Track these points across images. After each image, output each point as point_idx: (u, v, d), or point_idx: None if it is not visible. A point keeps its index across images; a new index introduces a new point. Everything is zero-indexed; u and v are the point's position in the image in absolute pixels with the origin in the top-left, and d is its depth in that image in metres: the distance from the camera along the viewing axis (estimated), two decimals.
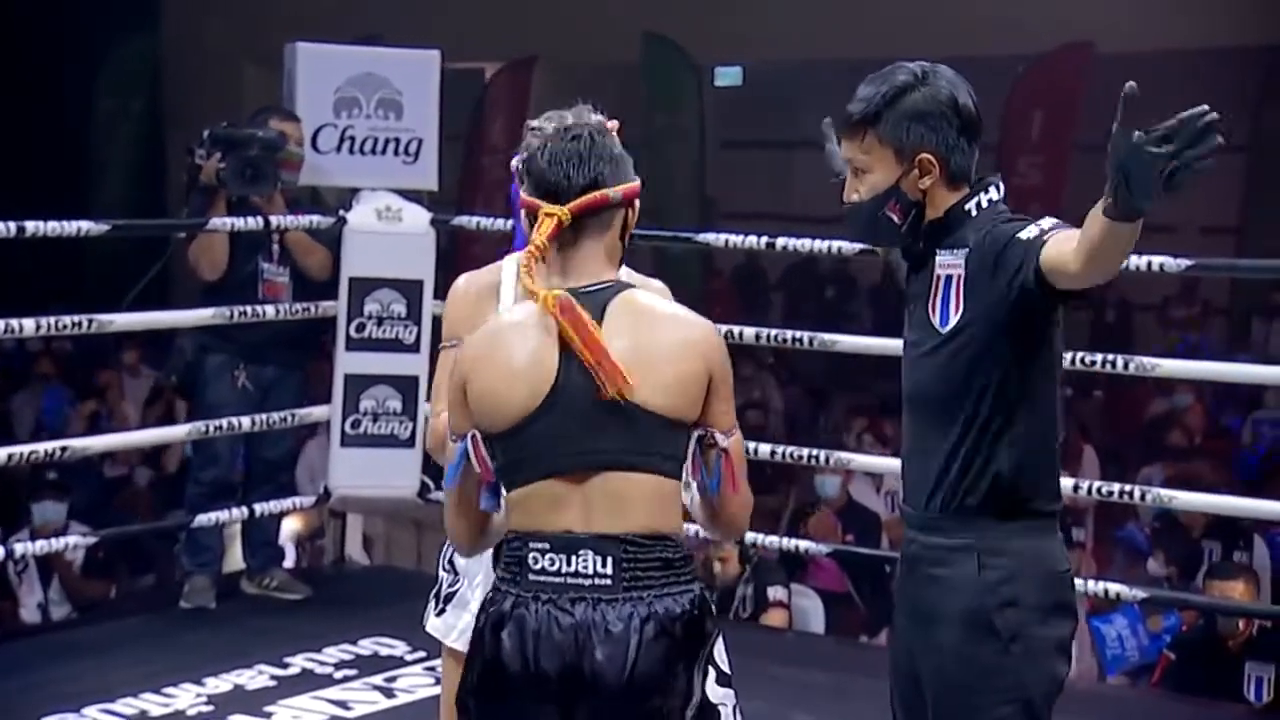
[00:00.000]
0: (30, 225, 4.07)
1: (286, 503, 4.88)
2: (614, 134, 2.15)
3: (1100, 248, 2.07)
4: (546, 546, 2.06)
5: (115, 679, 4.01)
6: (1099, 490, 4.22)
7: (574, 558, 2.04)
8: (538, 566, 2.06)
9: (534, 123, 2.16)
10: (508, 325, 2.12)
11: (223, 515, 4.64)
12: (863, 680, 4.08)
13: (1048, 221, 2.23)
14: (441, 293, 5.17)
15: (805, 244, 4.39)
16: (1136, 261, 3.75)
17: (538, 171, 2.11)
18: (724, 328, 3.56)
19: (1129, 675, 5.04)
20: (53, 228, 4.14)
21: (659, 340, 2.07)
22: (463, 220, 5.22)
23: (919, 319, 2.33)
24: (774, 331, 4.49)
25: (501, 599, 2.08)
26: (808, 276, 12.35)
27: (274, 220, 4.62)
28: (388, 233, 4.84)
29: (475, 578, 2.65)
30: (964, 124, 2.29)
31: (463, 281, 2.61)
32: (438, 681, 4.10)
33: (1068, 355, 4.08)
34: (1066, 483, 3.67)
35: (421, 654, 4.25)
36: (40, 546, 4.55)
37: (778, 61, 11.98)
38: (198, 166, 4.57)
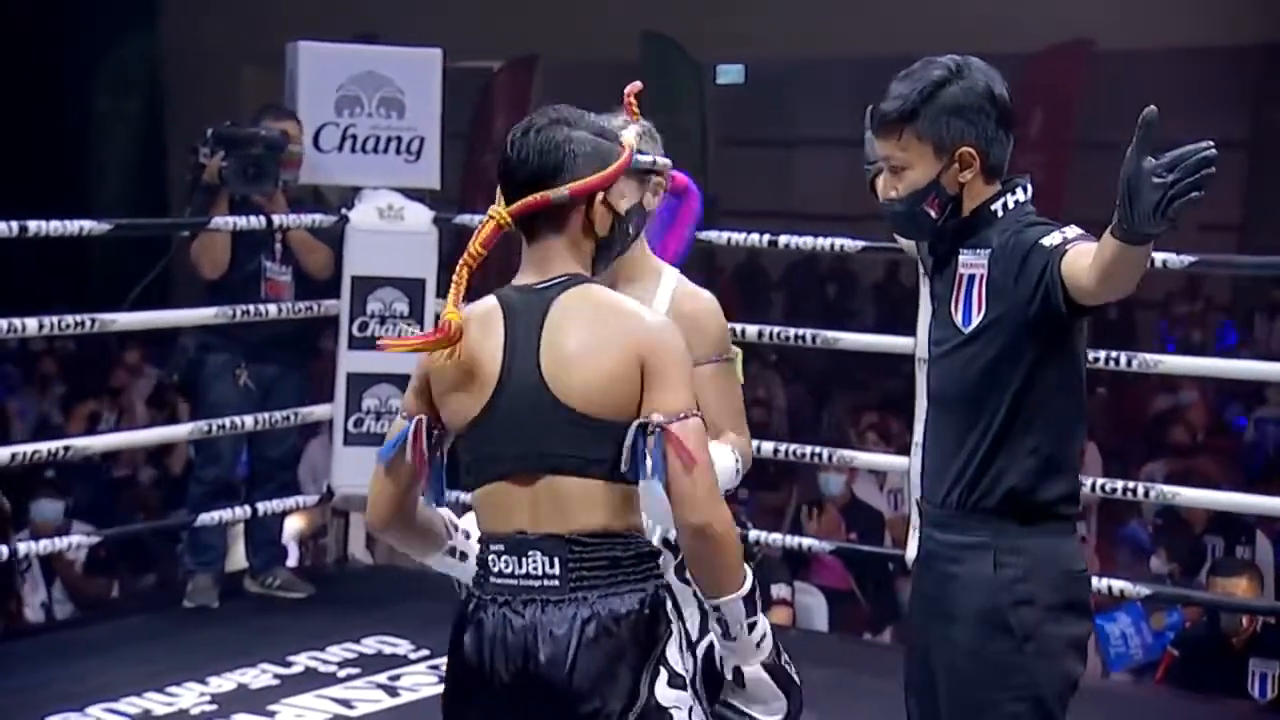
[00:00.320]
0: (33, 225, 4.07)
1: (289, 502, 4.88)
2: (587, 126, 2.08)
3: (1112, 267, 2.09)
4: (502, 549, 2.05)
5: (119, 678, 4.01)
6: (1102, 487, 4.21)
7: (524, 559, 2.03)
8: (495, 569, 2.06)
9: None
10: (471, 322, 2.08)
11: (225, 514, 4.63)
12: (866, 678, 4.08)
13: (1072, 231, 2.23)
14: (443, 291, 5.20)
15: (807, 242, 4.39)
16: None
17: (498, 170, 2.10)
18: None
19: (1133, 673, 5.03)
20: (55, 227, 4.14)
21: (599, 340, 2.02)
22: (465, 219, 5.21)
23: (943, 318, 2.33)
24: (776, 329, 4.48)
25: (468, 602, 2.09)
26: (809, 274, 12.36)
27: (276, 219, 4.62)
28: (390, 231, 4.85)
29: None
30: (1001, 115, 2.29)
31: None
32: (441, 680, 4.10)
33: None
34: None
35: (425, 652, 4.25)
36: (44, 546, 4.56)
37: (779, 60, 11.98)
38: (201, 165, 4.57)
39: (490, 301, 2.10)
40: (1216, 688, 4.51)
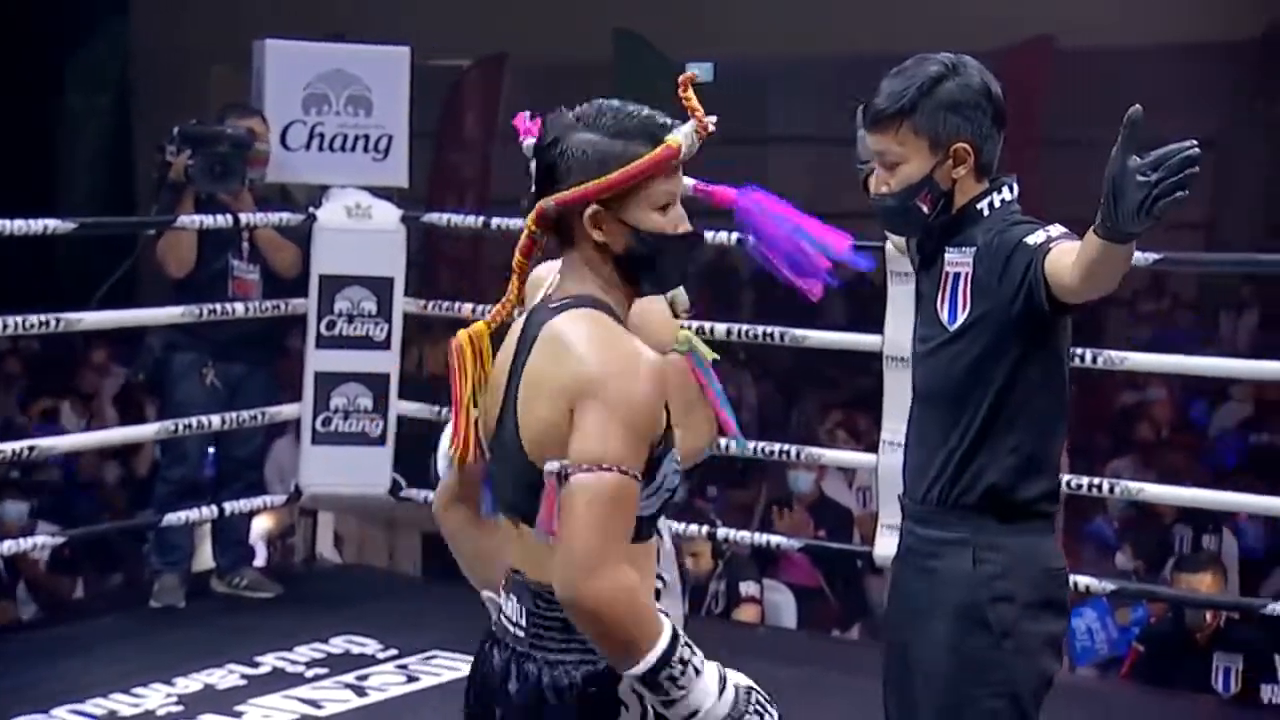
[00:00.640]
0: None
1: (257, 501, 4.87)
2: (606, 126, 1.86)
3: (1095, 266, 2.10)
4: (505, 583, 1.95)
5: (85, 679, 3.99)
6: (1068, 484, 4.24)
7: (509, 600, 1.92)
8: (500, 604, 1.96)
9: None
10: (510, 334, 1.95)
11: (192, 514, 4.61)
12: (835, 675, 4.10)
13: (1056, 229, 2.24)
14: (412, 289, 5.22)
15: None
16: None
17: None
18: (695, 324, 3.56)
19: (1098, 668, 5.07)
20: (19, 226, 4.11)
21: (546, 380, 1.83)
22: (433, 217, 5.21)
23: (928, 315, 2.35)
24: (745, 327, 4.49)
25: (486, 636, 1.99)
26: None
27: (243, 218, 4.61)
28: (358, 230, 4.83)
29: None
30: (996, 112, 2.31)
31: None
32: (410, 679, 4.11)
33: None
34: None
35: (393, 652, 4.25)
36: (9, 546, 4.53)
37: (749, 57, 12.00)
38: (167, 164, 4.56)
39: (523, 316, 1.94)
40: (1181, 682, 4.55)
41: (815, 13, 10.53)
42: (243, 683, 4.04)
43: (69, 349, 8.65)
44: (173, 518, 4.54)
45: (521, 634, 1.89)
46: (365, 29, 7.16)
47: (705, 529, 4.74)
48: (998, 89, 2.31)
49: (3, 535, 5.34)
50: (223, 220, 4.56)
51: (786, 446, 4.65)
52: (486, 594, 2.02)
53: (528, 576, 1.88)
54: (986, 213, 2.31)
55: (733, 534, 4.74)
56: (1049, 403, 2.31)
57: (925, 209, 2.31)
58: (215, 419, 4.60)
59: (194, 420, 4.56)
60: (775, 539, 4.87)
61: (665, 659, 1.76)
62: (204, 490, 4.79)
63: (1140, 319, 10.01)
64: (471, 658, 2.00)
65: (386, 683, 4.07)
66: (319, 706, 3.91)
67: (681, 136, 1.90)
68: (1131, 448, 7.00)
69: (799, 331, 4.50)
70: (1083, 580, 4.08)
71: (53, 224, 4.26)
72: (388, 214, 4.88)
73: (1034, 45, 10.08)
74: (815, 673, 4.16)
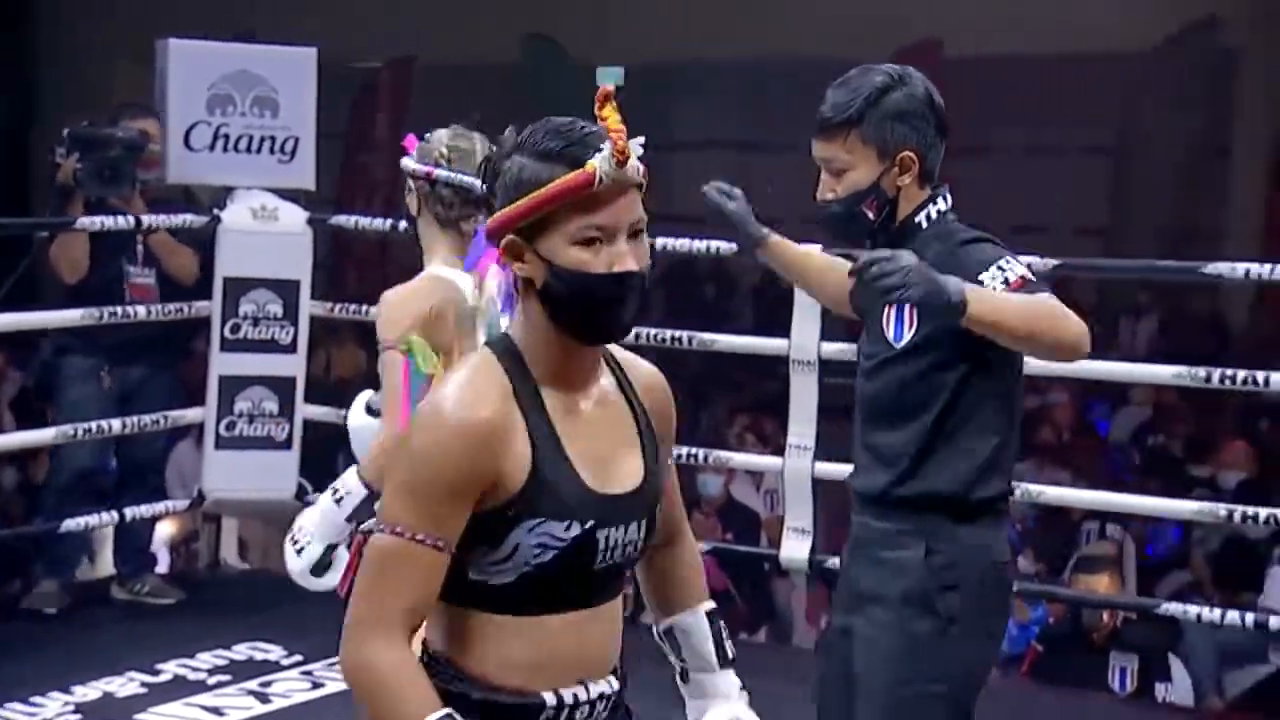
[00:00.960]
0: None
1: (159, 506, 4.81)
2: (515, 151, 1.67)
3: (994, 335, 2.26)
4: None
5: None
6: None
7: None
8: None
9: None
10: None
11: (92, 519, 4.55)
12: (744, 679, 4.12)
13: (1013, 271, 2.29)
14: (319, 292, 5.18)
15: (684, 244, 4.43)
16: None
17: None
18: None
19: (999, 665, 5.15)
20: None
21: None
22: (341, 220, 5.17)
23: (874, 333, 2.41)
24: (654, 331, 4.51)
25: None
26: (688, 276, 12.42)
27: (144, 220, 4.54)
28: (263, 232, 4.79)
29: None
30: (938, 121, 2.38)
31: None
32: (314, 686, 4.07)
33: None
34: None
35: (298, 658, 4.21)
36: None
37: (658, 62, 12.07)
38: (57, 166, 4.48)
39: None
40: (1079, 681, 4.64)
41: (721, 18, 10.61)
42: (143, 690, 3.99)
43: None
44: (72, 523, 4.47)
45: None
46: (275, 29, 7.08)
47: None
48: (939, 99, 2.39)
49: None
50: (123, 222, 4.49)
51: (695, 450, 4.68)
52: None
53: None
54: (925, 225, 2.37)
55: None
56: (1000, 407, 2.38)
57: (870, 215, 2.37)
58: (116, 423, 4.54)
59: (94, 424, 4.49)
60: None
61: None
62: (102, 495, 4.71)
63: None
64: None
65: (291, 689, 4.04)
66: (221, 714, 3.88)
67: (599, 161, 1.64)
68: (1033, 451, 7.13)
69: (707, 335, 4.53)
70: None
71: None
72: (294, 216, 4.84)
73: (921, 50, 10.30)
74: None
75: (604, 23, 10.81)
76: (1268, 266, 3.97)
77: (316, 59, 4.94)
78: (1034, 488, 4.35)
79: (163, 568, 5.34)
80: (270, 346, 4.78)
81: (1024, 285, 2.28)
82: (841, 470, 4.41)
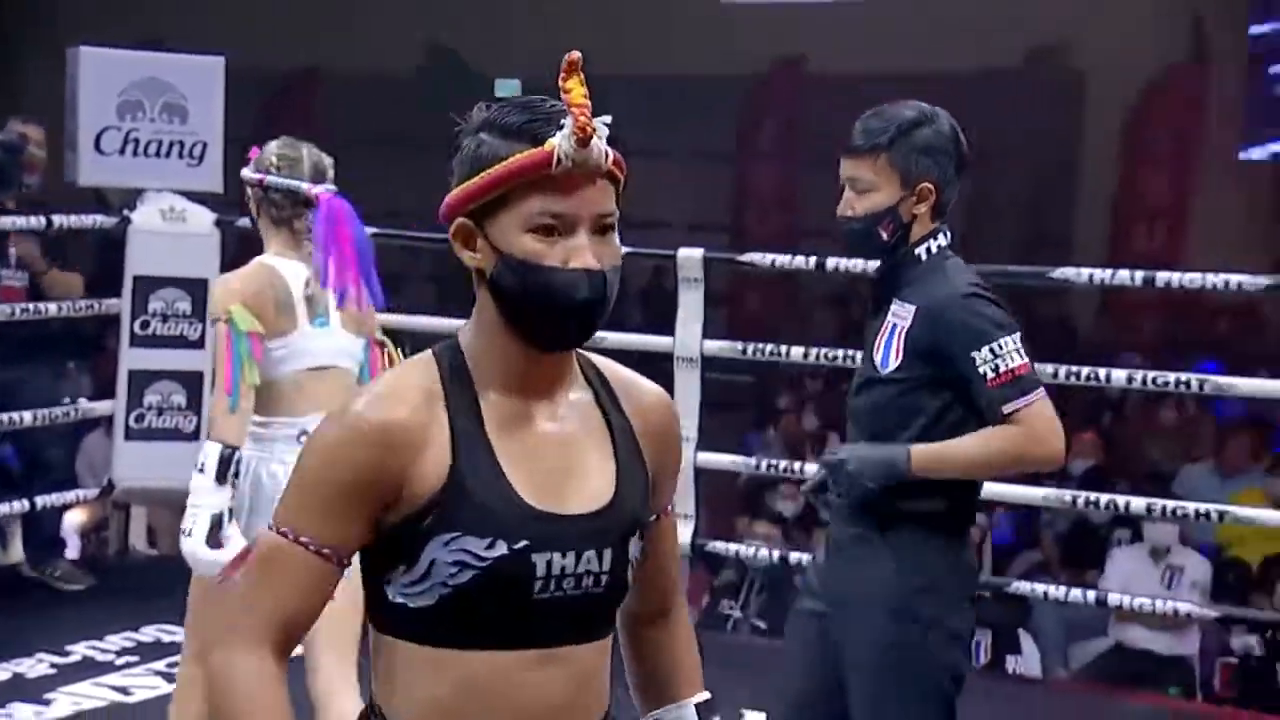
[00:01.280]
0: None
1: (69, 495, 4.92)
2: (481, 128, 1.53)
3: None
4: None
5: None
6: None
7: None
8: None
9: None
10: None
11: (3, 507, 4.64)
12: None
13: (1003, 357, 2.42)
14: None
15: None
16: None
17: None
18: None
19: None
20: None
21: None
22: (246, 222, 5.31)
23: (867, 355, 2.58)
24: None
25: None
26: None
27: (56, 220, 4.67)
28: (172, 233, 4.93)
29: None
30: (960, 161, 2.56)
31: None
32: None
33: (801, 350, 4.47)
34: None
35: None
36: None
37: (554, 75, 12.29)
38: None
39: None
40: None
41: (619, 34, 10.85)
42: (52, 671, 4.07)
43: None
44: None
45: None
46: (183, 36, 7.20)
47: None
48: (964, 139, 2.57)
49: None
50: (35, 222, 4.63)
51: None
52: None
53: None
54: (924, 258, 2.54)
55: None
56: (978, 428, 2.49)
57: (885, 235, 2.53)
58: (28, 415, 4.67)
59: (5, 416, 4.61)
60: None
61: None
62: (13, 484, 4.83)
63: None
64: None
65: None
66: (128, 694, 3.97)
67: (558, 139, 1.45)
68: None
69: (598, 333, 4.75)
70: None
71: None
72: (202, 218, 4.99)
73: (785, 68, 10.78)
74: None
75: (504, 35, 11.01)
76: (1109, 272, 4.32)
77: (224, 67, 5.10)
78: None
79: (74, 554, 5.43)
80: (179, 342, 4.91)
81: (1011, 381, 2.40)
82: (720, 460, 4.69)
